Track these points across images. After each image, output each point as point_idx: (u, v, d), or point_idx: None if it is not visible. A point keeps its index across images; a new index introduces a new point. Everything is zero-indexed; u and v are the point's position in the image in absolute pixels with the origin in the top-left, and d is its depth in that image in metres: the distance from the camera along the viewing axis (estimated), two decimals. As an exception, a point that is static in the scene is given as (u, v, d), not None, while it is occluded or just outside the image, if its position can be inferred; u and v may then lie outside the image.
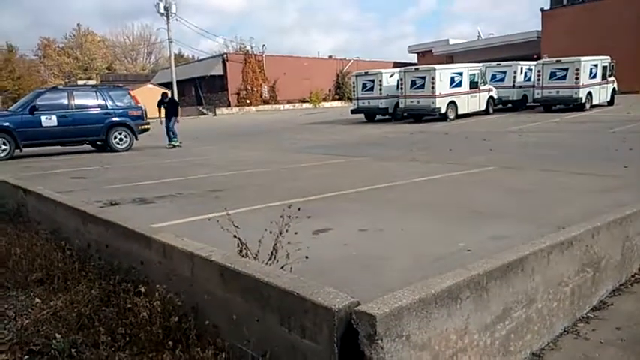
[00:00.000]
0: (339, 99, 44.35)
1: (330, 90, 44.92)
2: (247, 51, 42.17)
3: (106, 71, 58.22)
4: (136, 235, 3.61)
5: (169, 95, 16.34)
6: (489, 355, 2.38)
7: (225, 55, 41.97)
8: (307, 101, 42.29)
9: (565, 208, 5.05)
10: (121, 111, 14.31)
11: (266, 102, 41.47)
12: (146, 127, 14.93)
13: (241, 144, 15.36)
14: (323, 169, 9.14)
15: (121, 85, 18.10)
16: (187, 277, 2.97)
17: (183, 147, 14.70)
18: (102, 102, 14.16)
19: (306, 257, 2.91)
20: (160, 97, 15.50)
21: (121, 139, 14.31)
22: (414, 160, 9.78)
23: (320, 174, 8.59)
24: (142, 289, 3.11)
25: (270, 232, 3.04)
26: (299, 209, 3.25)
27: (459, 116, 19.63)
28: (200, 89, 43.43)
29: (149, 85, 39.78)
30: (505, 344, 2.48)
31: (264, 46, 43.20)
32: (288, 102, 41.75)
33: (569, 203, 5.36)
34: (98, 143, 14.50)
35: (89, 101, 14.12)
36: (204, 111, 39.44)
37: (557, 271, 2.85)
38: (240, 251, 3.05)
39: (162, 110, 15.19)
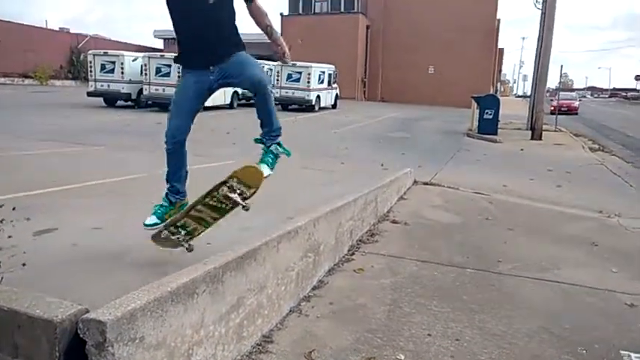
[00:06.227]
0: (74, 78, 39.41)
1: (61, 67, 39.40)
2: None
3: None
4: None
5: None
6: (224, 344, 2.52)
7: None
8: (32, 77, 36.21)
9: (299, 199, 5.67)
10: None
11: (-29, 73, 33.83)
12: None
13: None
14: (51, 158, 8.04)
15: None
16: None
17: None
18: None
19: (24, 264, 2.54)
20: None
21: None
22: (160, 149, 9.46)
23: (48, 164, 7.53)
24: None
25: (-26, 237, 2.54)
26: (14, 209, 2.80)
27: (205, 108, 19.80)
28: None
29: None
30: (238, 331, 2.65)
31: (-30, 3, 35.20)
32: (5, 75, 34.96)
33: (302, 195, 6.04)
34: None
35: None
36: None
37: (285, 259, 3.19)
38: None
39: None
